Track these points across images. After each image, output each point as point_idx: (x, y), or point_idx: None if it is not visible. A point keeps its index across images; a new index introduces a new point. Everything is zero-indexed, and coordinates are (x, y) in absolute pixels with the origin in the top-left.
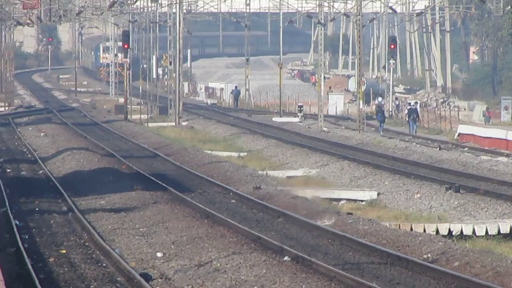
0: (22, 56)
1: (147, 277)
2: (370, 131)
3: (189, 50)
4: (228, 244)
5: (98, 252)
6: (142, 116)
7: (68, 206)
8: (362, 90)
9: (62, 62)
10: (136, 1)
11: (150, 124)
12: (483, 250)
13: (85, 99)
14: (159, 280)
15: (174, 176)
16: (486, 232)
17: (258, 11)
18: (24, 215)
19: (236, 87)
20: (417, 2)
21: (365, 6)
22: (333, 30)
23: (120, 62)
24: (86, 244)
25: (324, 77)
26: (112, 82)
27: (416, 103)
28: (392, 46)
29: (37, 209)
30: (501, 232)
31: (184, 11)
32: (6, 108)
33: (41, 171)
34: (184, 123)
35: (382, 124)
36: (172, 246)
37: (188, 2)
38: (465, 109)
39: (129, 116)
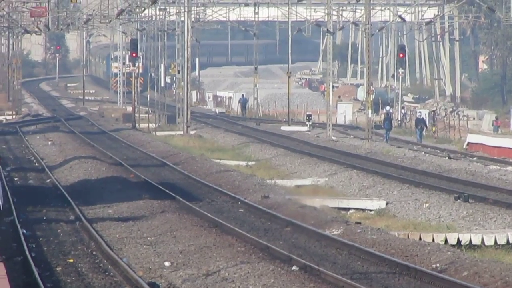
0: (30, 65)
1: (154, 287)
2: (379, 140)
3: (197, 59)
4: (236, 253)
5: (105, 261)
6: (150, 124)
7: (76, 215)
8: (371, 99)
9: (69, 70)
10: (144, 10)
11: (158, 133)
12: (492, 260)
13: (92, 108)
14: None
15: (182, 185)
16: (495, 241)
17: (267, 19)
18: (32, 224)
19: (243, 95)
20: (426, 11)
21: (374, 14)
22: (342, 39)
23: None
24: (94, 253)
25: (333, 86)
26: (120, 90)
27: (433, 111)
28: (401, 55)
29: (44, 218)
30: (510, 241)
31: (193, 19)
32: (14, 116)
33: (48, 180)
34: (192, 132)
35: (388, 132)
36: (180, 255)
37: (196, 10)
38: (474, 118)
39: (137, 125)
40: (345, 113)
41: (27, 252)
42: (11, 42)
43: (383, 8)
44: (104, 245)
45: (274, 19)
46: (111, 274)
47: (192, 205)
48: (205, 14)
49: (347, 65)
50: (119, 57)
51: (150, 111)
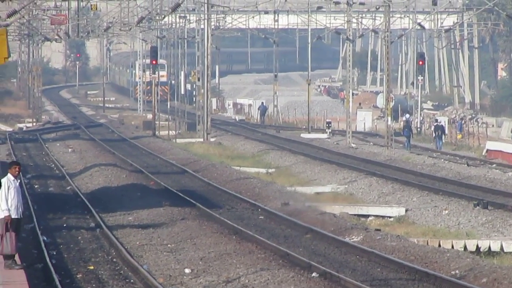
0: (50, 72)
1: None
2: (398, 148)
3: (217, 66)
4: (256, 260)
5: (126, 268)
6: (170, 132)
7: (96, 222)
8: (390, 106)
9: (90, 78)
10: (164, 17)
11: (178, 140)
12: (511, 267)
13: (113, 115)
14: None
15: (202, 192)
16: None
17: (287, 27)
18: (52, 231)
19: (263, 103)
20: (445, 19)
21: (394, 22)
22: (361, 46)
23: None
24: (114, 260)
25: (353, 94)
26: (140, 97)
27: (462, 119)
28: (421, 63)
29: (64, 225)
30: None
31: (212, 27)
32: (34, 124)
33: (69, 187)
34: (212, 139)
35: (408, 139)
36: (200, 262)
37: (216, 18)
38: (493, 126)
39: (157, 132)
40: (364, 120)
41: (47, 259)
42: (31, 50)
43: (402, 15)
44: (125, 252)
45: (294, 27)
46: (132, 281)
47: (212, 212)
48: (225, 21)
49: (366, 73)
50: (141, 65)
51: (170, 119)
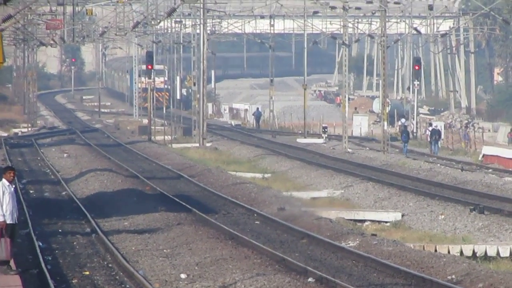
0: (45, 77)
1: None
2: (395, 152)
3: (213, 71)
4: (252, 265)
5: (121, 273)
6: (166, 137)
7: (92, 227)
8: (387, 111)
9: (85, 82)
10: (159, 22)
11: (174, 145)
12: (507, 272)
13: (108, 120)
14: None
15: (198, 197)
16: (511, 253)
17: (283, 32)
18: (47, 236)
19: (258, 108)
20: (441, 24)
21: (390, 27)
22: (357, 51)
23: (157, 86)
24: (110, 265)
25: (349, 98)
26: (136, 104)
27: (466, 126)
28: (417, 67)
29: (60, 230)
30: None
31: (208, 31)
32: (29, 129)
33: (64, 192)
34: (208, 144)
35: (406, 145)
36: (196, 268)
37: (212, 22)
38: (489, 130)
39: (152, 137)
40: (360, 125)
41: (43, 265)
42: (26, 55)
43: (398, 20)
44: (120, 258)
45: (290, 32)
46: (127, 286)
47: (208, 217)
48: (221, 26)
49: (362, 77)
50: (136, 70)
51: (166, 124)
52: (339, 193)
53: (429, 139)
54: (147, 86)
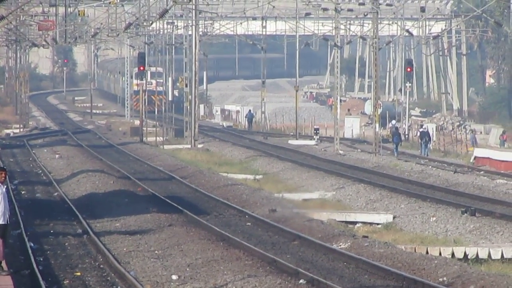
0: (37, 78)
1: None
2: (386, 154)
3: (204, 73)
4: (244, 267)
5: (113, 274)
6: (157, 138)
7: (83, 228)
8: (378, 113)
9: (77, 83)
10: (152, 23)
11: (165, 147)
12: (498, 274)
13: (100, 121)
14: None
15: (189, 198)
16: (502, 255)
17: (274, 33)
18: (39, 237)
19: (250, 110)
20: (433, 26)
21: (382, 29)
22: (349, 53)
23: (154, 89)
24: (101, 266)
25: (340, 100)
26: (128, 105)
27: (473, 132)
28: (409, 69)
29: (52, 231)
30: None
31: (200, 33)
32: (21, 129)
33: (56, 193)
34: (199, 146)
35: (397, 146)
36: (187, 269)
37: (204, 24)
38: (481, 133)
39: (144, 139)
40: (352, 127)
41: (34, 265)
42: (18, 56)
43: (390, 22)
44: (112, 259)
45: (282, 33)
46: (119, 287)
47: (199, 218)
48: (213, 27)
49: (354, 79)
50: (129, 71)
51: (158, 125)
52: (330, 195)
53: (419, 141)
54: (144, 88)
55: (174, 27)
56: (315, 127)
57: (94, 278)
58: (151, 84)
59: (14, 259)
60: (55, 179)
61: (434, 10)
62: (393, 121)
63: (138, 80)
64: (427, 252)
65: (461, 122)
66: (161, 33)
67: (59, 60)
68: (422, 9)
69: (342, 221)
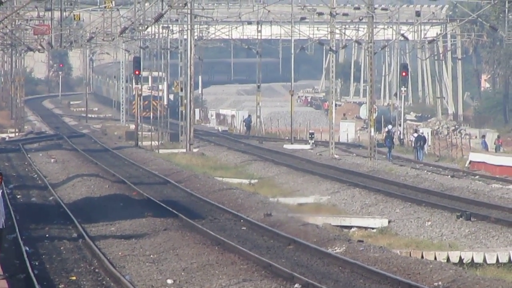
0: (33, 82)
1: None
2: (381, 159)
3: (200, 77)
4: (239, 271)
5: (108, 278)
6: (153, 142)
7: (78, 232)
8: (373, 117)
9: (72, 88)
10: (147, 28)
11: (161, 151)
12: (494, 278)
13: (95, 125)
14: None
15: (184, 203)
16: (497, 260)
17: (270, 38)
18: (34, 241)
19: (250, 115)
20: (429, 30)
21: (377, 33)
22: (344, 57)
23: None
24: (96, 270)
25: (336, 104)
26: (123, 108)
27: (483, 137)
28: (404, 74)
29: (47, 235)
30: None
31: (196, 37)
32: (17, 134)
33: (51, 197)
34: (195, 150)
35: (390, 150)
36: (182, 273)
37: (199, 28)
38: (476, 137)
39: (140, 143)
40: (347, 131)
41: (29, 270)
42: (14, 60)
43: (386, 26)
44: (107, 263)
45: (277, 37)
46: None
47: (194, 223)
48: (208, 32)
49: (349, 83)
50: (124, 75)
51: (153, 129)
52: (325, 199)
53: (413, 145)
54: (148, 94)
55: (170, 32)
56: (310, 131)
57: (89, 282)
58: (153, 89)
59: (9, 263)
60: (51, 183)
61: (429, 15)
62: (389, 126)
63: (140, 85)
64: (422, 257)
65: (456, 126)
66: (157, 37)
67: (55, 65)
68: (418, 14)
69: (337, 226)
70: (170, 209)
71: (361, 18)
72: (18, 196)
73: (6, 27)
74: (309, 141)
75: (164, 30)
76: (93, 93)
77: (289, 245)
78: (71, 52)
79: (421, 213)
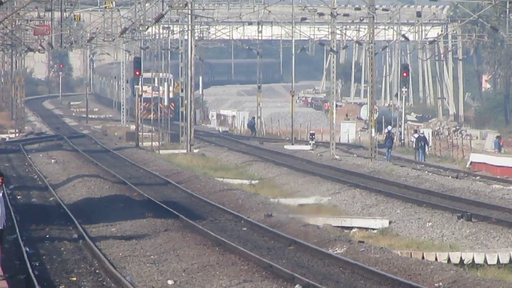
0: (33, 83)
1: None
2: (382, 159)
3: (200, 77)
4: (239, 272)
5: (109, 279)
6: (153, 143)
7: (79, 233)
8: (374, 118)
9: (73, 88)
10: (147, 28)
11: (161, 151)
12: (494, 279)
13: (96, 126)
14: None
15: (185, 203)
16: (498, 261)
17: (270, 38)
18: (35, 242)
19: (253, 118)
20: (429, 30)
21: (378, 34)
22: (345, 58)
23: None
24: (97, 271)
25: (336, 105)
26: (123, 109)
27: (497, 137)
28: (405, 74)
29: (47, 236)
30: None
31: (196, 38)
32: (17, 134)
33: (51, 198)
34: (195, 151)
35: (389, 150)
36: (183, 274)
37: (200, 29)
38: (477, 138)
39: (140, 143)
40: (348, 132)
41: (30, 270)
42: (14, 60)
43: (386, 27)
44: (107, 264)
45: (278, 38)
46: None
47: (195, 223)
48: (209, 32)
49: (350, 84)
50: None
51: (154, 130)
52: (326, 200)
53: (414, 146)
54: (152, 96)
55: (170, 32)
56: (311, 132)
57: (89, 283)
58: (159, 90)
59: (9, 264)
60: (51, 184)
61: (430, 15)
62: (389, 127)
63: (141, 86)
64: (423, 257)
65: (457, 127)
66: (157, 38)
67: (55, 65)
68: (418, 14)
69: (338, 226)
70: (171, 209)
71: (361, 18)
72: (19, 197)
73: (6, 27)
74: (310, 141)
75: (164, 31)
76: (95, 94)
77: (290, 246)
78: (72, 53)
79: (422, 213)
